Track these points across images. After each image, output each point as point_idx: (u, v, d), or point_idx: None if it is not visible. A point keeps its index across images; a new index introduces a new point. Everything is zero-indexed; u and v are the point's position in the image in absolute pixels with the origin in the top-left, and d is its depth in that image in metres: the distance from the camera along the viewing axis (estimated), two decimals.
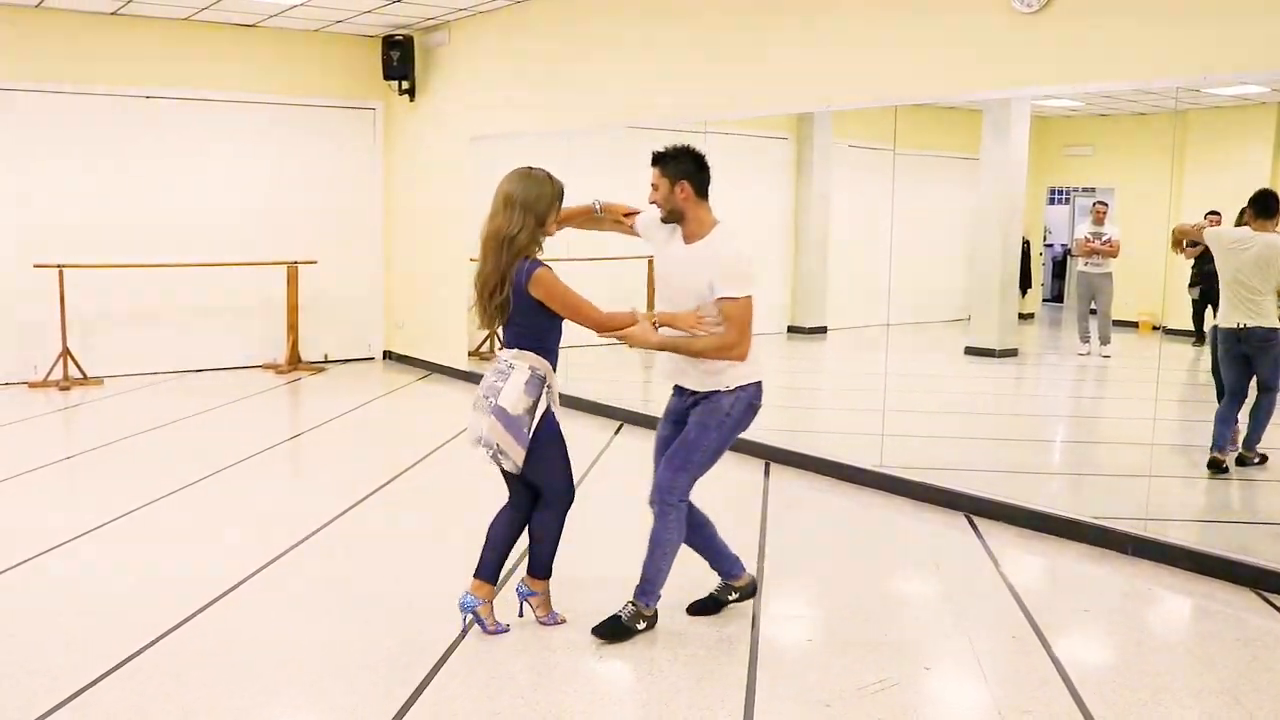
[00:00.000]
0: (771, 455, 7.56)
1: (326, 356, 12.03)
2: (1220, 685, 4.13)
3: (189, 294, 11.10)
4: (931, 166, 11.08)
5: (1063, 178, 12.35)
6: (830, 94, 7.37)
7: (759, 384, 4.46)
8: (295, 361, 11.42)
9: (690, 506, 4.55)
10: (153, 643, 4.36)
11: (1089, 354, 10.64)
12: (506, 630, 4.52)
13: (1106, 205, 10.78)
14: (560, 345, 4.40)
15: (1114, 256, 10.44)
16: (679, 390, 4.57)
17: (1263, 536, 6.05)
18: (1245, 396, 6.90)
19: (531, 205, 4.21)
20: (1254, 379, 6.88)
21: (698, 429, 4.40)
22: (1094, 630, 4.81)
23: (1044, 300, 13.26)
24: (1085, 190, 12.27)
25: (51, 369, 10.20)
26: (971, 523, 6.19)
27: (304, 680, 4.08)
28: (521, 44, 10.09)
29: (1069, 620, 4.83)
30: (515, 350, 4.32)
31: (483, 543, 4.53)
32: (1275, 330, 6.74)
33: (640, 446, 7.97)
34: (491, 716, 3.76)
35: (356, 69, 11.77)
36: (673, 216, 4.39)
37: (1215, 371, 7.15)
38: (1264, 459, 6.99)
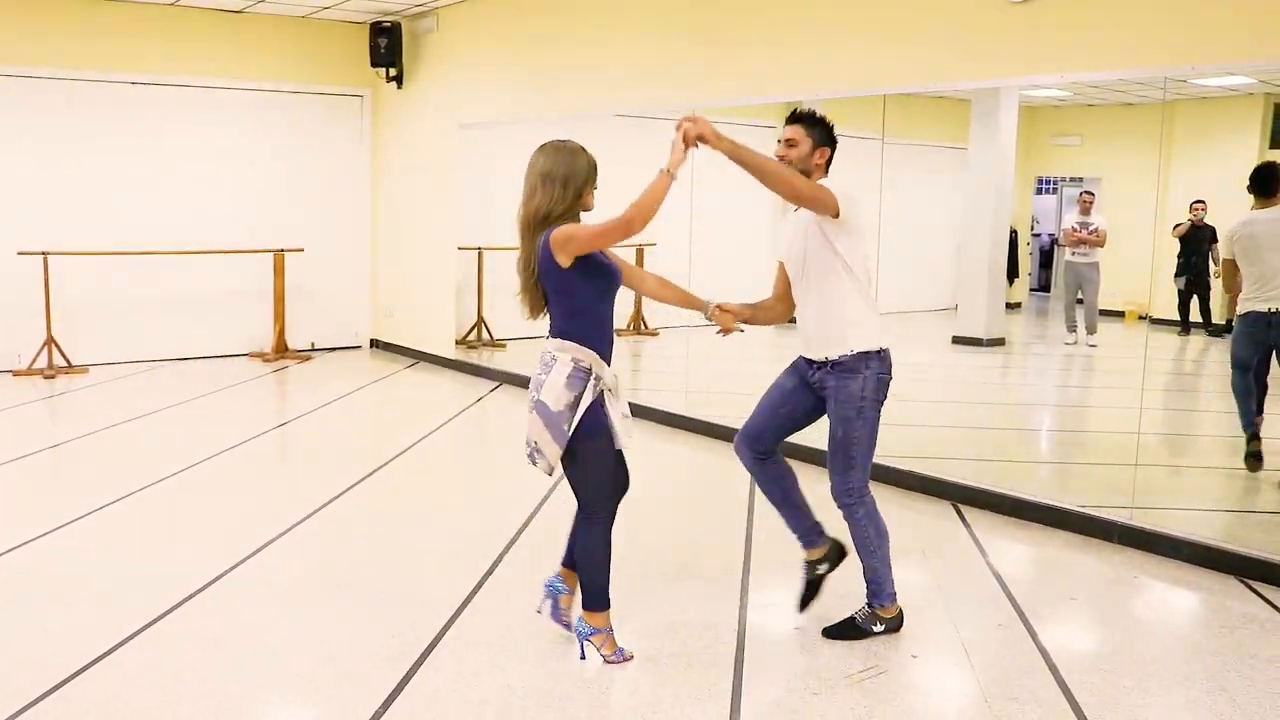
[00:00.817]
0: None
1: (313, 345, 12.00)
2: (1205, 672, 4.15)
3: (175, 281, 11.05)
4: (919, 156, 11.08)
5: (1050, 167, 12.37)
6: (818, 83, 7.36)
7: (884, 353, 4.27)
8: (281, 350, 11.39)
9: (776, 457, 4.49)
10: (137, 633, 4.35)
11: (1075, 343, 10.67)
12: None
13: (1093, 195, 10.80)
14: (611, 331, 4.06)
15: (1101, 246, 10.47)
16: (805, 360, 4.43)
17: (1247, 524, 6.08)
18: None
19: (571, 179, 3.93)
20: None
21: (842, 424, 4.25)
22: (1080, 618, 4.83)
23: (1031, 290, 13.29)
24: (1073, 180, 12.30)
25: (36, 357, 10.15)
26: (958, 511, 6.20)
27: (290, 670, 4.07)
28: (510, 31, 10.06)
29: (1055, 608, 4.85)
30: (558, 341, 3.95)
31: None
32: None
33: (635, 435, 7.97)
34: (479, 706, 3.76)
35: (344, 56, 11.71)
36: None
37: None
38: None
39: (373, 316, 12.39)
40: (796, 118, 4.32)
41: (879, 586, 4.40)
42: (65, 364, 10.25)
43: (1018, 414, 9.36)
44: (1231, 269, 6.69)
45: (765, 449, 4.48)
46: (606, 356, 4.00)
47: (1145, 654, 4.35)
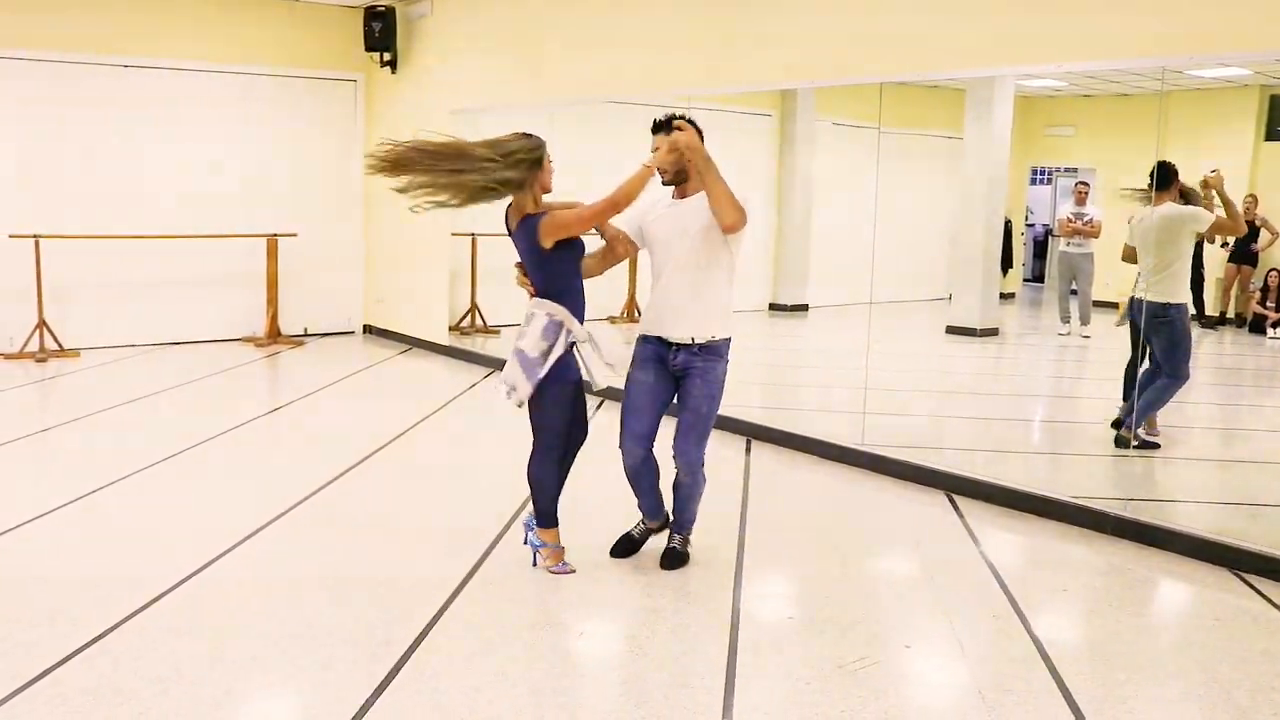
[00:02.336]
0: (752, 432, 7.55)
1: (306, 330, 11.96)
2: (1198, 664, 4.15)
3: (167, 266, 11.00)
4: (915, 145, 11.08)
5: (1045, 158, 12.36)
6: (814, 70, 7.34)
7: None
8: (274, 335, 11.35)
9: (651, 453, 4.89)
10: (129, 616, 4.33)
11: (1069, 334, 10.66)
12: (570, 572, 4.86)
13: (1088, 186, 10.78)
14: (581, 292, 4.74)
15: (1095, 237, 10.46)
16: (661, 341, 4.80)
17: (1240, 517, 6.09)
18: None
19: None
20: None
21: (707, 402, 4.77)
22: (1074, 609, 4.83)
23: (1025, 280, 13.28)
24: (1067, 170, 12.29)
25: (27, 340, 10.11)
26: (952, 501, 6.20)
27: (282, 654, 4.06)
28: (504, 16, 10.01)
29: (1049, 599, 4.86)
30: (536, 299, 4.68)
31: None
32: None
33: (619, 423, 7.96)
34: (472, 692, 3.75)
35: (337, 40, 11.66)
36: (678, 178, 4.74)
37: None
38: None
39: (366, 302, 12.36)
40: (663, 126, 4.69)
41: (691, 522, 5.05)
42: (57, 347, 10.21)
43: (1011, 404, 9.36)
44: (1130, 253, 7.33)
45: (650, 444, 4.86)
46: (578, 313, 4.69)
47: (1138, 646, 4.36)
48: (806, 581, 5.05)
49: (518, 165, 4.59)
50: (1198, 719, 3.75)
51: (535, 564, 4.90)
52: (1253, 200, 9.15)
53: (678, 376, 4.79)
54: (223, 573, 4.89)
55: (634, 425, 4.79)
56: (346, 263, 12.20)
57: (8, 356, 10.06)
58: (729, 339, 4.79)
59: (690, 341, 4.72)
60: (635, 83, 8.64)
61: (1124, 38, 5.73)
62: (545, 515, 4.87)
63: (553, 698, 3.74)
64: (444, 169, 4.69)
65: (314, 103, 11.78)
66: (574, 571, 4.85)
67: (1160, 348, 6.87)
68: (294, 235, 11.39)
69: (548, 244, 4.56)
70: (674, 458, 4.83)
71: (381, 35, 11.12)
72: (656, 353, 4.79)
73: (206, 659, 3.99)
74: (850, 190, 9.34)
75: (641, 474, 4.90)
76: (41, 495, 5.92)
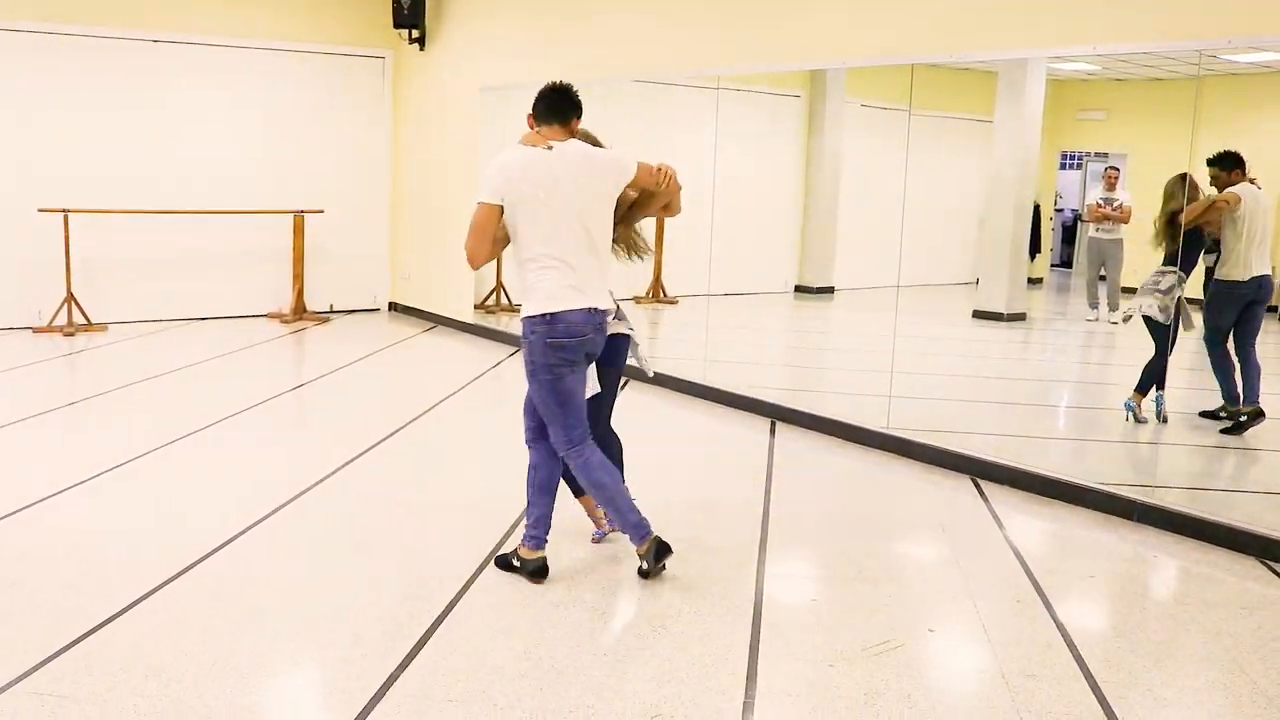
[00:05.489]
0: (777, 414, 7.53)
1: (331, 307, 12.00)
2: (1225, 653, 4.12)
3: (195, 241, 11.05)
4: (944, 128, 10.98)
5: (1075, 142, 12.25)
6: (845, 51, 7.28)
7: (546, 316, 4.35)
8: (300, 311, 11.40)
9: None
10: (157, 588, 4.36)
11: (1097, 320, 10.58)
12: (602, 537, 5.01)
13: (1118, 170, 10.69)
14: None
15: (1125, 222, 10.37)
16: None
17: (1270, 506, 6.03)
18: None
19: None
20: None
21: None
22: (1098, 596, 4.81)
23: (1053, 265, 13.19)
24: (1097, 155, 12.17)
25: (56, 314, 10.17)
26: (977, 486, 6.17)
27: (307, 629, 4.08)
28: None
29: (1074, 585, 4.83)
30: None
31: None
32: None
33: (645, 402, 7.96)
34: (494, 671, 3.76)
35: (366, 17, 11.65)
36: None
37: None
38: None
39: (391, 280, 12.38)
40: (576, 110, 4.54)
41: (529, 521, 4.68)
42: (85, 321, 10.28)
43: (1038, 390, 9.30)
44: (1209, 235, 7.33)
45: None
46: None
47: (1164, 634, 4.33)
48: (830, 564, 5.04)
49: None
50: (1224, 708, 3.72)
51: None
52: None
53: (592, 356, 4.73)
54: (248, 547, 4.92)
55: (581, 427, 4.62)
56: (372, 240, 12.22)
57: (37, 330, 10.13)
58: (529, 316, 4.39)
59: (607, 309, 4.58)
60: (666, 63, 8.60)
61: (1160, 20, 5.66)
62: (573, 487, 5.01)
63: (574, 677, 3.75)
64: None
65: (342, 79, 11.78)
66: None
67: (1259, 324, 7.05)
68: (320, 212, 11.41)
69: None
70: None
71: (410, 12, 11.11)
72: (577, 344, 4.60)
73: (232, 632, 4.01)
74: (878, 173, 9.29)
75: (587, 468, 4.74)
76: (70, 468, 5.97)
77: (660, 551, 4.56)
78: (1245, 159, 7.15)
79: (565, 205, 4.33)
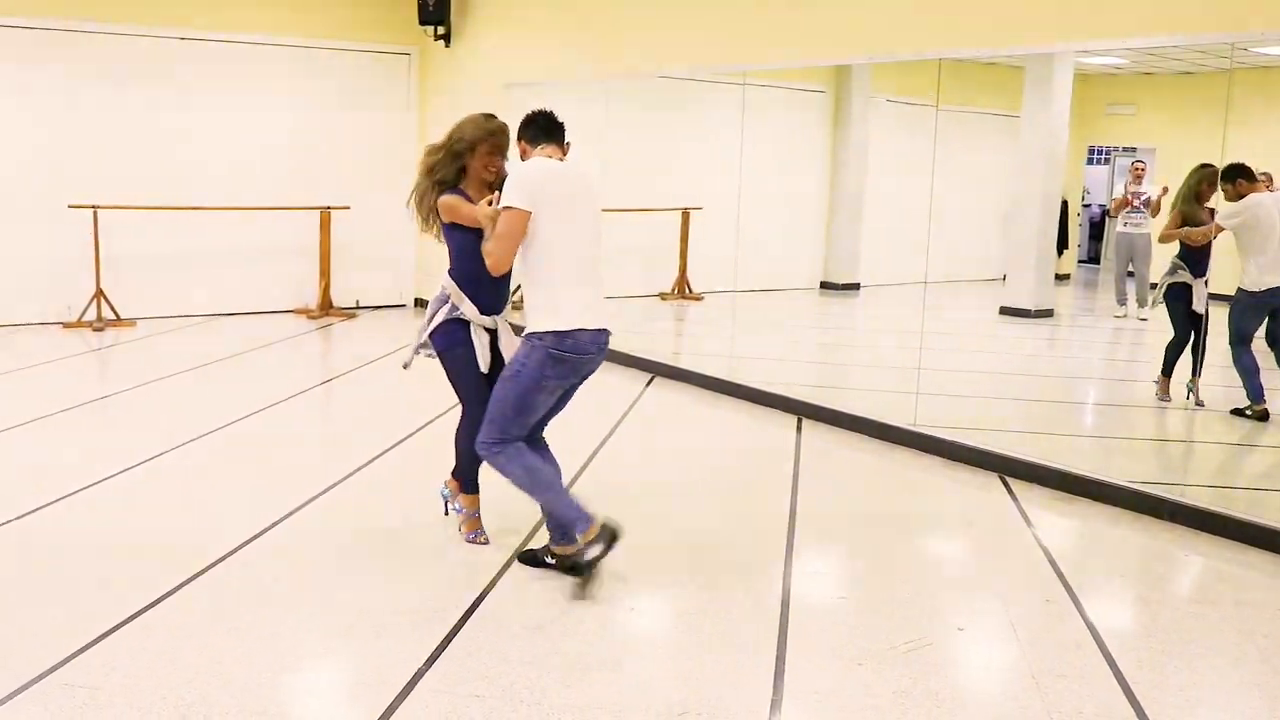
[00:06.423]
0: (804, 411, 7.50)
1: (358, 303, 12.04)
2: (1258, 654, 4.09)
3: (222, 237, 11.10)
4: (971, 123, 10.94)
5: (1104, 136, 12.18)
6: (872, 46, 7.25)
7: (559, 333, 4.35)
8: (327, 307, 11.44)
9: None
10: (187, 581, 4.39)
11: (1125, 316, 10.52)
12: (485, 543, 4.90)
13: (1145, 164, 10.62)
14: (471, 271, 4.73)
15: (1154, 216, 10.30)
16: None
17: None
18: None
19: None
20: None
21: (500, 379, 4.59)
22: (1128, 595, 4.77)
23: (1080, 261, 13.12)
24: (1125, 150, 12.10)
25: (85, 309, 10.24)
26: (1005, 483, 6.14)
27: (335, 622, 4.09)
28: None
29: (1103, 584, 4.80)
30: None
31: None
32: None
33: (671, 399, 7.95)
34: (522, 666, 3.77)
35: (392, 14, 11.67)
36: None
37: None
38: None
39: (417, 275, 12.40)
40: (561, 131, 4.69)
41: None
42: (114, 317, 10.34)
43: (1066, 386, 9.25)
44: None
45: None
46: (470, 292, 4.84)
47: (1195, 634, 4.29)
48: (857, 561, 5.03)
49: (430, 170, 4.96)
50: (1257, 708, 3.69)
51: (446, 512, 5.14)
52: None
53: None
54: (277, 540, 4.94)
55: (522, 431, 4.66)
56: (398, 236, 12.21)
57: (66, 325, 10.20)
58: (541, 331, 4.41)
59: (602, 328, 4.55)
60: (692, 59, 8.58)
61: (1191, 12, 5.61)
62: (468, 481, 4.96)
63: (601, 673, 3.75)
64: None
65: (368, 76, 11.81)
66: (487, 543, 4.90)
67: None
68: (347, 208, 11.44)
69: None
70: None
71: (436, 9, 11.12)
72: (576, 360, 4.59)
73: (260, 626, 4.03)
74: (904, 168, 9.25)
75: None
76: (101, 462, 6.00)
77: (533, 560, 4.68)
78: (1250, 168, 7.12)
79: (580, 219, 4.43)
